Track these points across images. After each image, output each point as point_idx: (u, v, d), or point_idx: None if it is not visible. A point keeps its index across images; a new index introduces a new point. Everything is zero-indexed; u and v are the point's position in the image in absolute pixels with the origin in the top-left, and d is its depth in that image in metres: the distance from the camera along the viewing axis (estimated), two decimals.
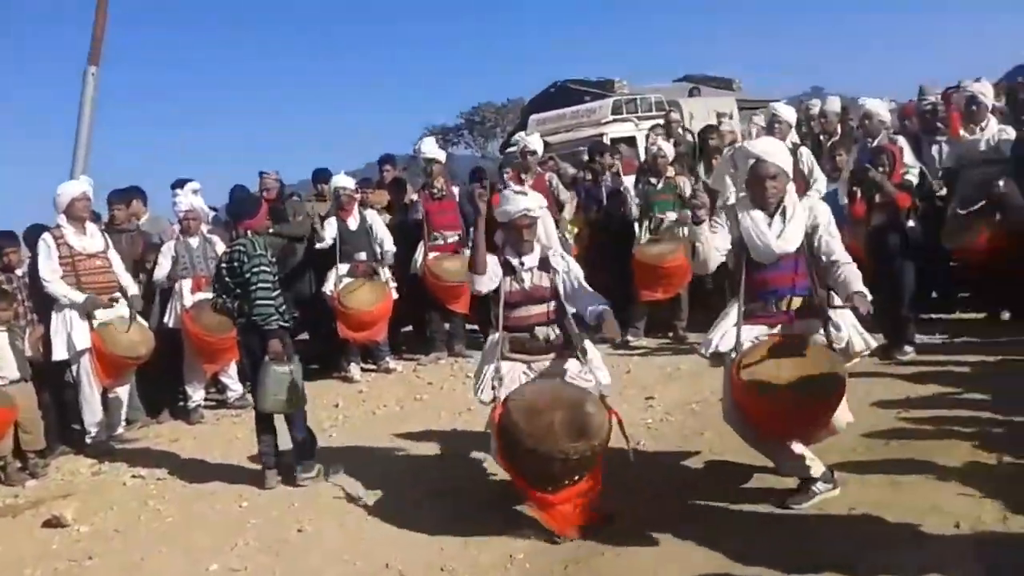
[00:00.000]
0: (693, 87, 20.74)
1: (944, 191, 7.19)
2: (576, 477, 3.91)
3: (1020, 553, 3.35)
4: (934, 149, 7.47)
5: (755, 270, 4.14)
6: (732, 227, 4.17)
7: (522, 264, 4.52)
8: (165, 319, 7.43)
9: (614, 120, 13.43)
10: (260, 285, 5.14)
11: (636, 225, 8.37)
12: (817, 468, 4.05)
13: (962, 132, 7.00)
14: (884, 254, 6.43)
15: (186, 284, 7.32)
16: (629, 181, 8.88)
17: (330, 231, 8.06)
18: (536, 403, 4.04)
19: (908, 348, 6.47)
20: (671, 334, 8.41)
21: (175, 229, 7.80)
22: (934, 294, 7.83)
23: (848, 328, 4.04)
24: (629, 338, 8.30)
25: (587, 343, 4.53)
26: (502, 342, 4.47)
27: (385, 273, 8.21)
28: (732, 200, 4.52)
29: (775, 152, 4.09)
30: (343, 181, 8.30)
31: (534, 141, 9.44)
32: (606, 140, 11.80)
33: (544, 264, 4.55)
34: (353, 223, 8.18)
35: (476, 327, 8.67)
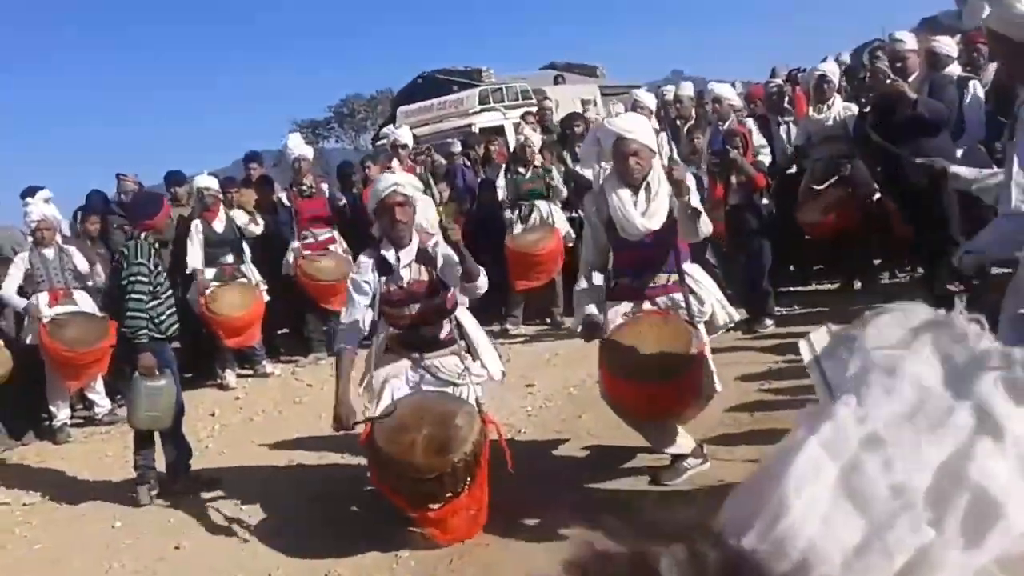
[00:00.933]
0: (558, 75, 21.02)
1: (794, 169, 7.56)
2: (457, 490, 3.77)
3: None
4: (782, 129, 7.83)
5: (623, 247, 4.18)
6: (600, 207, 4.19)
7: (399, 260, 4.15)
8: (22, 335, 7.00)
9: (482, 110, 13.43)
10: (133, 295, 4.91)
11: (507, 214, 8.44)
12: (688, 444, 4.17)
13: (810, 111, 7.36)
14: (742, 232, 6.73)
15: (43, 297, 6.90)
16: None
17: (196, 240, 7.77)
18: (404, 421, 3.86)
19: (768, 321, 6.80)
20: (548, 320, 8.54)
21: (28, 240, 7.33)
22: (791, 268, 8.23)
23: (712, 301, 4.19)
24: (508, 326, 8.38)
25: (478, 333, 4.36)
26: (381, 345, 4.26)
27: (254, 274, 7.99)
28: (593, 175, 4.56)
29: (637, 129, 4.09)
30: (206, 181, 8.02)
31: (403, 134, 9.39)
32: (475, 130, 11.79)
33: (423, 256, 4.16)
34: (219, 225, 7.91)
35: None
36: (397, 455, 3.72)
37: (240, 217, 8.08)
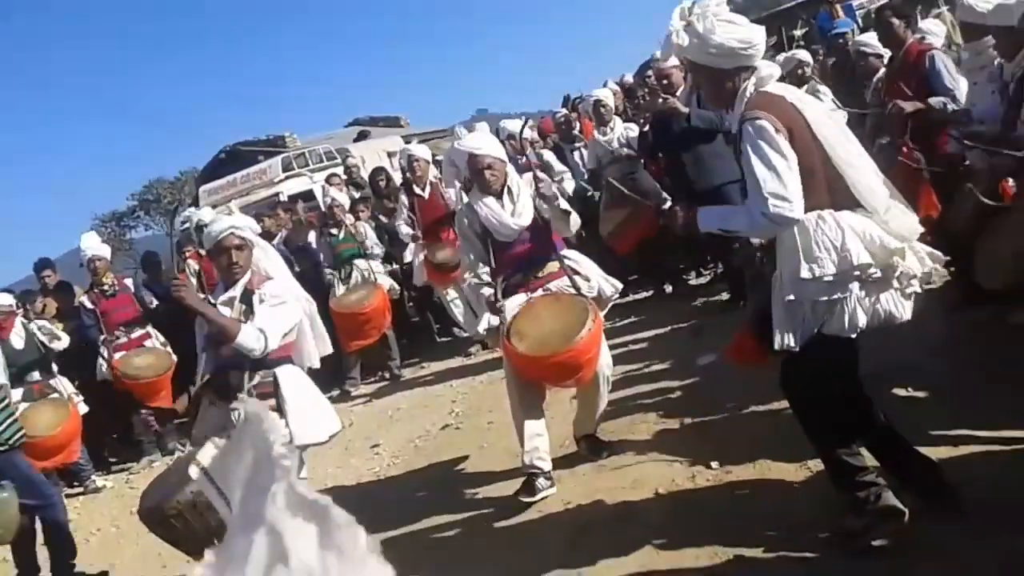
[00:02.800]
0: (361, 131, 21.12)
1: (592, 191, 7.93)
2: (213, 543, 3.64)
3: (706, 504, 3.79)
4: (576, 155, 8.22)
5: (503, 249, 4.58)
6: (472, 220, 4.62)
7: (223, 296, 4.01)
8: None
9: (287, 177, 13.29)
10: None
11: (328, 277, 8.37)
12: (546, 465, 4.35)
13: (595, 135, 7.76)
14: None
15: None
16: (312, 235, 8.87)
17: None
18: (166, 474, 3.58)
19: None
20: (387, 375, 8.50)
21: None
22: None
23: (596, 277, 4.61)
24: (347, 388, 8.29)
25: (296, 388, 4.02)
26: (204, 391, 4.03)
27: (65, 387, 7.49)
28: (455, 193, 4.81)
29: (484, 145, 4.65)
30: None
31: (206, 214, 9.12)
32: (283, 198, 11.66)
33: (246, 297, 3.95)
34: (18, 341, 7.37)
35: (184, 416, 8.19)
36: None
37: (41, 330, 7.57)
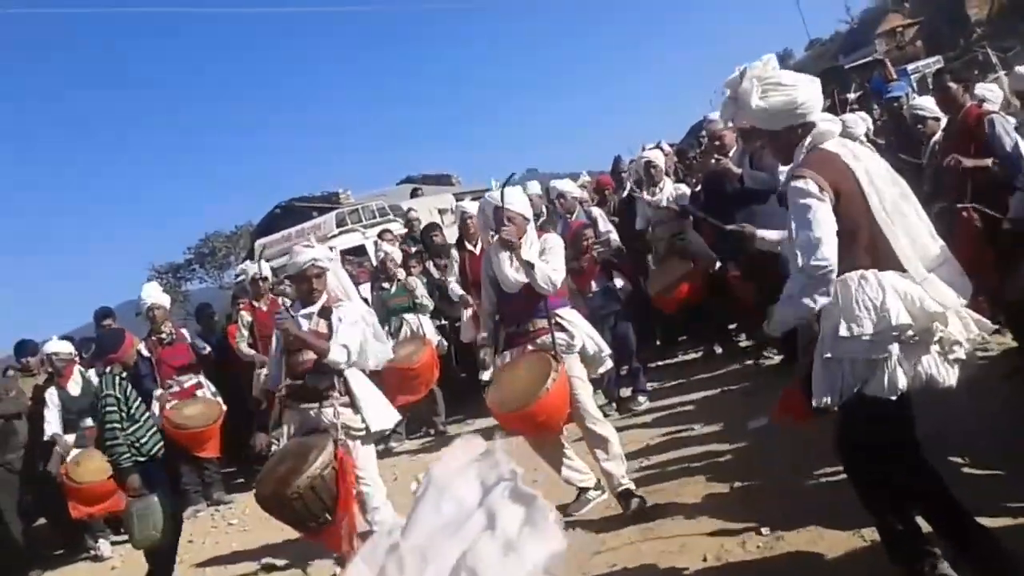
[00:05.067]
0: (415, 188, 21.42)
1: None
2: (319, 516, 4.44)
3: (755, 571, 3.69)
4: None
5: (506, 301, 4.87)
6: (487, 268, 4.94)
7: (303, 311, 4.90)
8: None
9: (340, 232, 13.47)
10: (107, 424, 5.15)
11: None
12: (590, 480, 4.91)
13: (645, 195, 7.77)
14: (604, 318, 6.93)
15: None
16: (365, 289, 8.97)
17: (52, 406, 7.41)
18: (272, 461, 4.72)
19: (641, 398, 6.99)
20: (432, 431, 8.48)
21: None
22: (657, 343, 8.53)
23: (582, 336, 4.85)
24: (392, 444, 8.27)
25: (362, 385, 4.87)
26: (280, 394, 4.90)
27: None
28: (485, 244, 5.31)
29: (513, 200, 4.86)
30: (54, 347, 7.67)
31: (262, 267, 9.30)
32: (335, 253, 11.82)
33: (324, 313, 4.86)
34: (75, 388, 7.55)
35: (232, 467, 8.28)
36: (274, 486, 4.46)
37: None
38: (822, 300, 2.85)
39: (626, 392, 7.17)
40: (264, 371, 6.46)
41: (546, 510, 1.01)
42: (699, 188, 7.56)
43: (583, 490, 4.94)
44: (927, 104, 6.33)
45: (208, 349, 8.45)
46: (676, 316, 7.94)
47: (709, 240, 7.29)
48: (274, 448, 5.01)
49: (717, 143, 6.70)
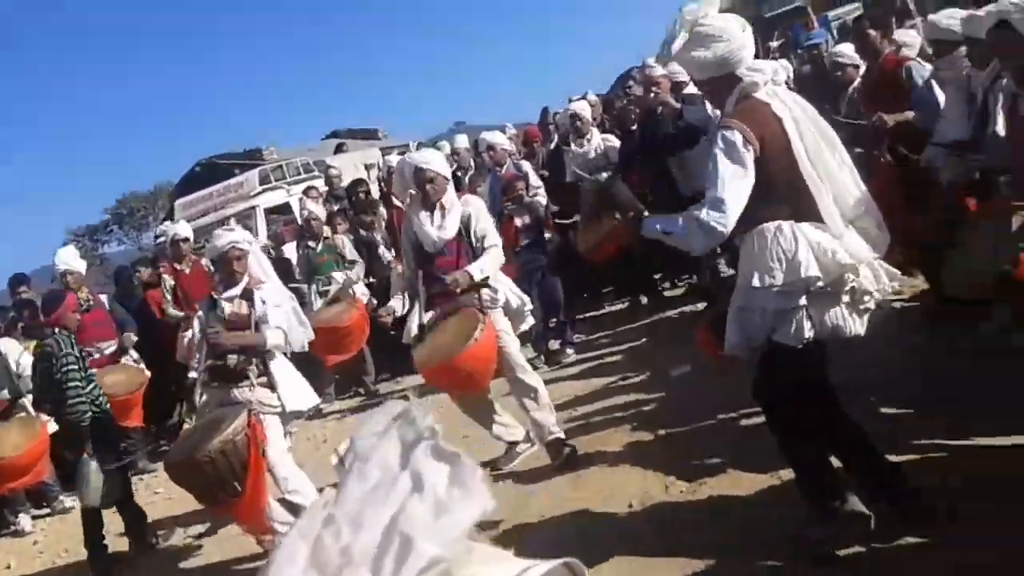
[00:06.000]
0: (340, 143, 21.03)
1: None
2: (227, 487, 4.35)
3: (679, 515, 3.77)
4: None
5: (428, 260, 4.85)
6: (408, 230, 4.96)
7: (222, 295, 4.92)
8: None
9: (264, 190, 13.13)
10: (70, 383, 5.32)
11: (306, 290, 8.28)
12: (519, 433, 5.01)
13: (572, 146, 7.74)
14: (532, 272, 6.94)
15: None
16: (291, 248, 8.80)
17: None
18: (186, 435, 4.85)
19: (569, 351, 7.05)
20: (362, 390, 8.43)
21: None
22: (584, 295, 8.58)
23: (504, 291, 4.94)
24: (321, 405, 8.18)
25: (281, 367, 4.90)
26: (201, 374, 4.89)
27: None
28: (406, 204, 5.16)
29: (432, 160, 4.91)
30: None
31: (182, 228, 9.02)
32: (259, 212, 11.59)
33: (247, 294, 4.90)
34: None
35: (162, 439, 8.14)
36: (185, 452, 4.41)
37: (8, 346, 7.43)
38: (701, 249, 3.06)
39: (554, 345, 7.24)
40: (188, 333, 6.33)
41: (472, 468, 0.98)
42: (635, 127, 7.55)
43: (512, 444, 5.02)
44: (846, 51, 6.41)
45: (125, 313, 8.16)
46: (603, 268, 7.98)
47: (637, 189, 7.32)
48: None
49: (654, 89, 6.72)
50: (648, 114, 7.02)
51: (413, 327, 4.87)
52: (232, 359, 4.81)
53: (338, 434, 7.23)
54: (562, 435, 4.81)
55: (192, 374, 5.06)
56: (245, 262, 4.96)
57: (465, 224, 4.86)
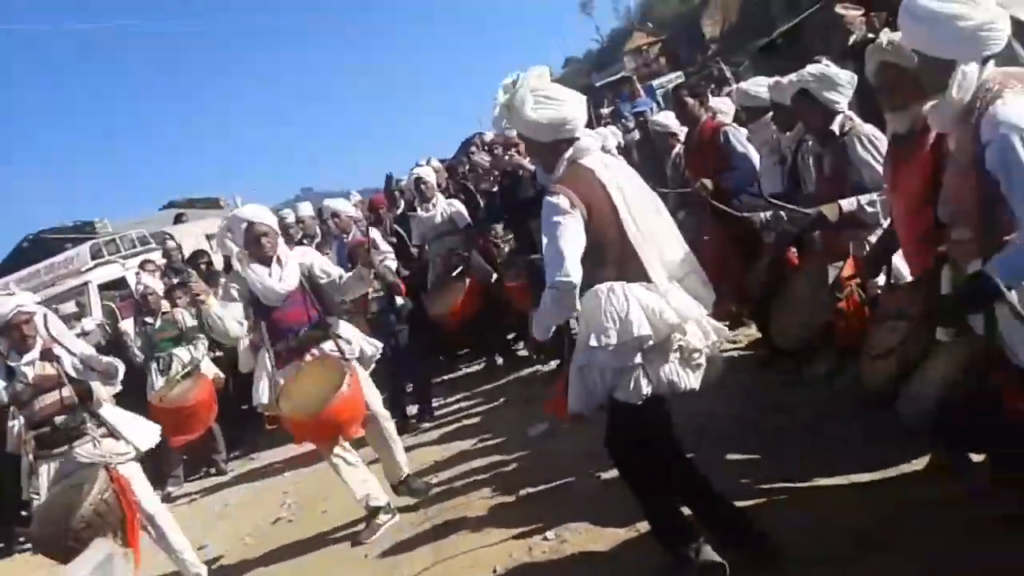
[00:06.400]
0: (179, 213, 20.28)
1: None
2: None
3: (544, 573, 3.81)
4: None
5: (268, 314, 4.82)
6: (242, 287, 4.82)
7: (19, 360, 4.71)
8: None
9: (96, 265, 12.42)
10: None
11: (146, 370, 7.89)
12: (381, 499, 4.94)
13: (419, 211, 7.82)
14: (387, 338, 6.90)
15: None
16: (128, 324, 8.39)
17: None
18: (43, 514, 4.36)
19: (426, 416, 7.03)
20: (213, 470, 8.07)
21: None
22: (440, 358, 8.61)
23: (358, 340, 5.03)
24: (170, 489, 7.77)
25: (113, 413, 4.85)
26: (27, 442, 4.69)
27: None
28: (235, 259, 5.03)
29: (262, 215, 4.92)
30: None
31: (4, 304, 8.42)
32: (92, 288, 10.96)
33: (46, 355, 4.75)
34: None
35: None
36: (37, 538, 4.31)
37: None
38: (566, 312, 3.04)
39: (412, 410, 7.20)
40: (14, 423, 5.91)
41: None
42: (496, 189, 7.74)
43: (374, 512, 4.91)
44: (665, 120, 6.83)
45: None
46: (457, 331, 8.06)
47: (485, 252, 7.51)
48: (35, 504, 4.67)
49: (512, 150, 6.96)
50: (507, 175, 7.25)
51: (261, 387, 4.86)
52: (59, 419, 4.67)
53: (188, 519, 6.84)
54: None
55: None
56: (34, 325, 4.79)
57: (307, 273, 4.91)
